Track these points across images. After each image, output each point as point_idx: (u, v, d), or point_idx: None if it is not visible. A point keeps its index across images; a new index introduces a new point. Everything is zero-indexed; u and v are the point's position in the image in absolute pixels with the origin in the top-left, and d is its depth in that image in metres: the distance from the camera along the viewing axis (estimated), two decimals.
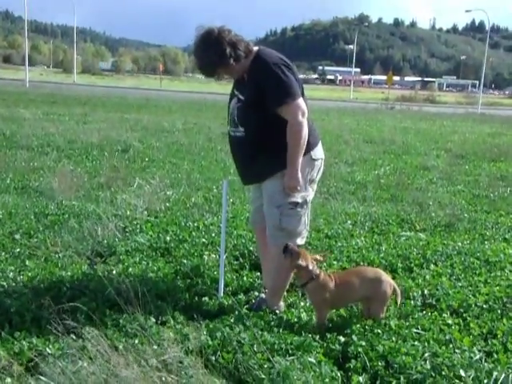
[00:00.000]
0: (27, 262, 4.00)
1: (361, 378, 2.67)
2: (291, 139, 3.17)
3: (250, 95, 3.26)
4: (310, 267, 3.18)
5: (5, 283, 3.56)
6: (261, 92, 3.18)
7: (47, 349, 2.75)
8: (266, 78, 3.19)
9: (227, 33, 3.23)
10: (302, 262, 3.17)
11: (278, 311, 3.42)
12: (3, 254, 4.20)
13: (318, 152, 3.43)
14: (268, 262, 3.63)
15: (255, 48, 3.33)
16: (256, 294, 3.68)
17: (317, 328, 3.16)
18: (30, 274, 3.75)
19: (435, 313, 3.46)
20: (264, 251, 3.70)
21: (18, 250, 4.32)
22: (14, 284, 3.56)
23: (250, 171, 3.47)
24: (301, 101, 3.20)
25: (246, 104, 3.28)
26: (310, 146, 3.29)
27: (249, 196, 3.78)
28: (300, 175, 3.21)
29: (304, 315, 3.32)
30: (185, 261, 4.20)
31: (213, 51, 3.19)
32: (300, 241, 3.44)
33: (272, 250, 3.44)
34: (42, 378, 2.50)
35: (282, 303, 3.53)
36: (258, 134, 3.28)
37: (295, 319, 3.29)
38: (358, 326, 3.14)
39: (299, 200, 3.32)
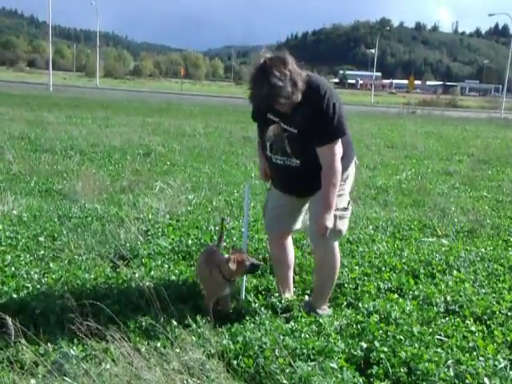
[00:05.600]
0: (51, 265, 4.06)
1: None
2: (328, 180, 3.16)
3: (306, 127, 3.15)
4: None
5: (30, 285, 3.61)
6: (315, 123, 3.11)
7: (71, 350, 2.78)
8: (324, 110, 3.08)
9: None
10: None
11: (324, 313, 3.46)
12: (28, 256, 4.26)
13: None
14: (284, 267, 3.71)
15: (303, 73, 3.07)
16: (276, 294, 3.66)
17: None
18: (54, 276, 3.80)
19: (458, 319, 3.42)
20: (282, 256, 3.71)
21: (42, 252, 4.38)
22: (38, 286, 3.61)
23: (304, 190, 3.45)
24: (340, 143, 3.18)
25: (303, 137, 3.19)
26: (352, 155, 3.48)
27: (266, 202, 3.76)
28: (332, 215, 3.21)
29: (326, 320, 3.30)
30: None
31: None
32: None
33: (320, 252, 3.45)
34: (66, 378, 2.53)
35: (329, 308, 3.59)
36: (316, 163, 3.20)
37: (317, 324, 3.27)
38: (381, 331, 3.12)
39: (346, 204, 3.42)
